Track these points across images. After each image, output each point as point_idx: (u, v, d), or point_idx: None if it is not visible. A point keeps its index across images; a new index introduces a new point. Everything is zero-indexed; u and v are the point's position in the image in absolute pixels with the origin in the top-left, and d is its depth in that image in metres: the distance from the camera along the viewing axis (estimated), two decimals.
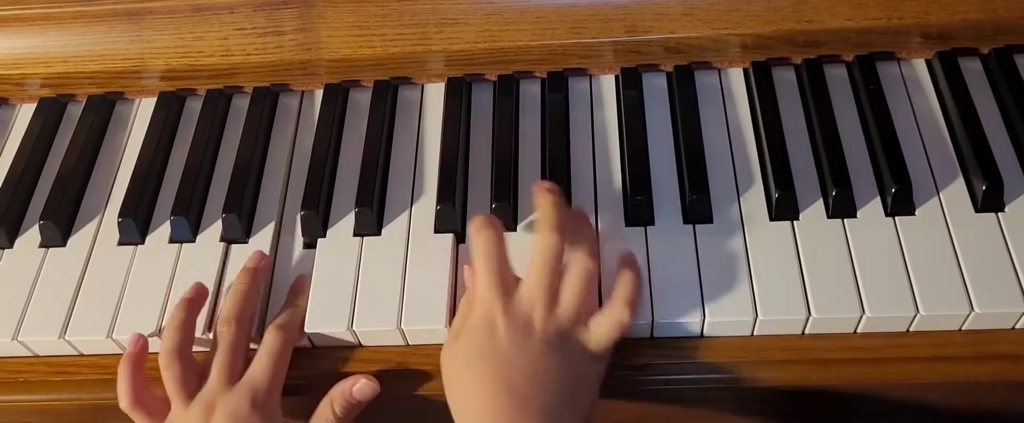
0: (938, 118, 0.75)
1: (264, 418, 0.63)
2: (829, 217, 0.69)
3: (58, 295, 0.71)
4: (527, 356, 0.61)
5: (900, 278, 0.65)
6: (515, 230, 0.71)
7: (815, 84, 0.76)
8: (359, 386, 0.66)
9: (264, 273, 0.70)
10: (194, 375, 0.66)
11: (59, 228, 0.74)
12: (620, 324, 0.62)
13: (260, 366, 0.65)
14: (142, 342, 0.68)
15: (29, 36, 0.79)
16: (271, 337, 0.66)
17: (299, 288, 0.70)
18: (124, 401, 0.66)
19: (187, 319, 0.67)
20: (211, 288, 0.70)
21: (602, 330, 0.63)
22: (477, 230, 0.65)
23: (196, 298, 0.68)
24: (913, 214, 0.68)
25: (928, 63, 0.78)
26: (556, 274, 0.63)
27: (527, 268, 0.64)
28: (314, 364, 0.68)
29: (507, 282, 0.64)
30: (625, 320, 0.62)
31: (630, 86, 0.78)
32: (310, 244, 0.72)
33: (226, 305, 0.68)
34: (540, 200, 0.66)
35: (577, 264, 0.64)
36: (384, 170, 0.76)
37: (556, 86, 0.79)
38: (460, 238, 0.71)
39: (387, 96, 0.80)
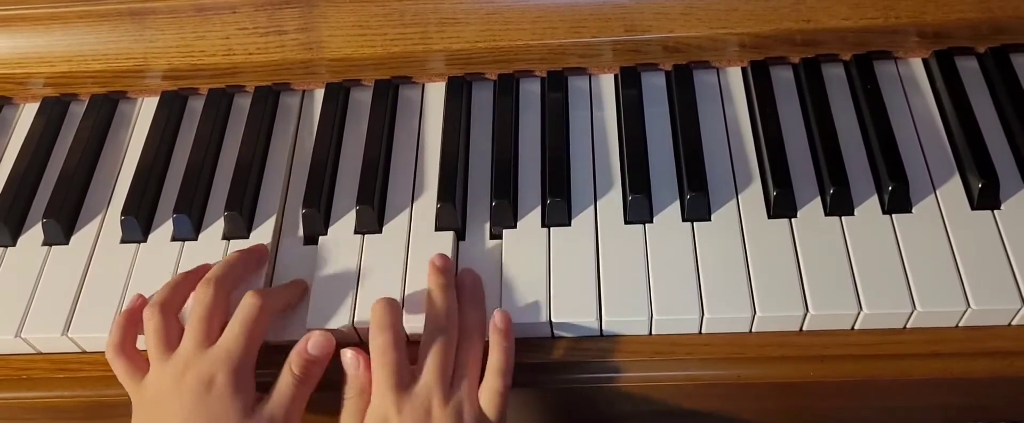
0: (935, 117, 0.75)
1: (235, 384, 0.63)
2: (827, 215, 0.69)
3: (61, 293, 0.72)
4: None
5: (897, 275, 0.65)
6: (515, 227, 0.71)
7: (813, 83, 0.77)
8: (312, 341, 0.65)
9: (260, 258, 0.71)
10: (176, 334, 0.66)
11: (62, 226, 0.75)
12: (499, 394, 0.64)
13: (232, 333, 0.64)
14: (142, 300, 0.68)
15: (33, 35, 0.80)
16: (246, 304, 0.65)
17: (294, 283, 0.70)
18: (109, 350, 0.66)
19: (183, 282, 0.68)
20: None
21: (487, 401, 0.64)
22: (377, 320, 0.65)
23: (199, 270, 0.69)
24: (910, 212, 0.69)
25: (925, 62, 0.79)
26: (449, 361, 0.64)
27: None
28: None
29: (403, 377, 0.63)
30: (501, 389, 0.64)
31: (629, 85, 0.78)
32: (311, 241, 0.73)
33: (213, 269, 0.68)
34: (430, 283, 0.67)
35: (489, 382, 0.65)
36: (385, 168, 0.76)
37: (556, 85, 0.79)
38: (460, 236, 0.72)
39: (388, 95, 0.80)
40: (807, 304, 0.65)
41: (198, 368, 0.63)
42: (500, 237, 0.71)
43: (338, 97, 0.81)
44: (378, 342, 0.64)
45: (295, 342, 0.66)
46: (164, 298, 0.67)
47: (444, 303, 0.66)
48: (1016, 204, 0.69)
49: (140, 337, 0.68)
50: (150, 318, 0.66)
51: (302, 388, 0.65)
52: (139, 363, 0.66)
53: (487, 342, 0.66)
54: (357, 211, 0.72)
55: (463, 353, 0.65)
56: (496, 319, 0.66)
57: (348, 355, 0.65)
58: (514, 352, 0.66)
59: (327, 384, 0.67)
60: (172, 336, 0.65)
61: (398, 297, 0.68)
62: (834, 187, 0.69)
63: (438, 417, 0.62)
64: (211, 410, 0.62)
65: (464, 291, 0.68)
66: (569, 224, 0.71)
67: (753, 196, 0.71)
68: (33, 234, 0.76)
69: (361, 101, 0.81)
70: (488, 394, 0.64)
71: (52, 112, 0.84)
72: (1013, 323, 0.65)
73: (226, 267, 0.68)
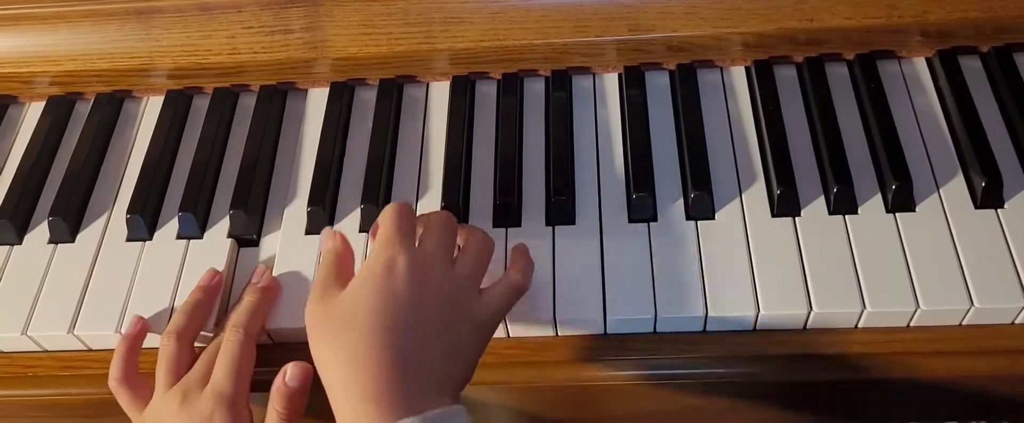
0: (938, 116, 0.75)
1: (232, 418, 0.63)
2: (830, 213, 0.69)
3: (67, 291, 0.72)
4: (420, 305, 0.59)
5: (900, 273, 0.65)
6: (519, 225, 0.72)
7: (816, 82, 0.77)
8: (289, 374, 0.63)
9: (216, 285, 0.70)
10: (186, 363, 0.66)
11: (68, 224, 0.75)
12: (516, 288, 0.63)
13: (221, 371, 0.64)
14: (141, 324, 0.69)
15: (39, 34, 0.80)
16: (228, 342, 0.65)
17: (257, 280, 0.70)
18: (112, 379, 0.67)
19: (197, 306, 0.68)
20: None
21: (496, 293, 0.62)
22: (391, 205, 0.64)
23: (211, 286, 0.69)
24: (913, 210, 0.69)
25: (928, 61, 0.79)
26: (454, 240, 0.64)
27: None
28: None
29: (411, 234, 0.63)
30: (520, 284, 0.63)
31: (633, 84, 0.79)
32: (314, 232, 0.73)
33: (172, 320, 0.68)
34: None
35: (475, 235, 0.65)
36: (389, 167, 0.76)
37: (560, 84, 0.80)
38: None
39: (392, 94, 0.81)
40: (811, 302, 0.65)
41: (196, 406, 0.63)
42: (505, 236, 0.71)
43: (343, 96, 0.81)
44: (390, 207, 0.63)
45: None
46: (176, 326, 0.67)
47: (440, 212, 0.66)
48: (1019, 203, 0.69)
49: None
50: (164, 346, 0.66)
51: (291, 420, 0.64)
52: (143, 392, 0.67)
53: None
54: (361, 210, 0.72)
55: (465, 254, 0.63)
56: (517, 245, 0.67)
57: (325, 231, 0.67)
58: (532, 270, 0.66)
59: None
60: (182, 365, 0.66)
61: None
62: (838, 186, 0.69)
63: (438, 281, 0.60)
64: None
65: (465, 227, 0.67)
66: (574, 223, 0.71)
67: (757, 195, 0.71)
68: (39, 232, 0.76)
69: (366, 100, 0.82)
70: (503, 287, 0.63)
71: (58, 111, 0.84)
72: (1016, 322, 0.65)
73: (250, 311, 0.67)
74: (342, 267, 0.64)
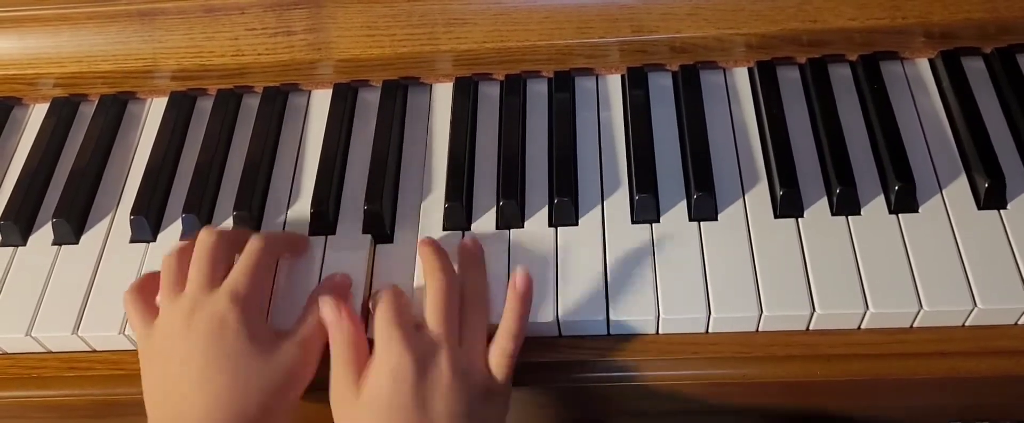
0: (941, 116, 0.75)
1: (248, 322, 0.62)
2: (833, 215, 0.69)
3: (71, 292, 0.72)
4: (433, 408, 0.60)
5: (903, 274, 0.65)
6: (522, 227, 0.72)
7: (819, 83, 0.77)
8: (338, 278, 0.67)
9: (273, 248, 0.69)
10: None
11: (72, 226, 0.75)
12: (508, 355, 0.63)
13: (239, 271, 0.64)
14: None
15: (43, 36, 0.80)
16: (250, 247, 0.65)
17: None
18: (128, 291, 0.66)
19: (230, 234, 0.67)
20: None
21: (494, 363, 0.63)
22: (383, 296, 0.64)
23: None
24: (916, 211, 0.69)
25: (931, 62, 0.79)
26: (454, 313, 0.64)
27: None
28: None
29: (409, 322, 0.63)
30: (511, 351, 0.63)
31: (636, 85, 0.79)
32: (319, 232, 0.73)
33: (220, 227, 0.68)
34: (421, 251, 0.68)
35: (499, 343, 0.64)
36: (393, 169, 0.76)
37: (563, 86, 0.80)
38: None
39: (396, 96, 0.81)
40: (814, 303, 0.65)
41: (207, 308, 0.62)
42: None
43: (346, 97, 0.81)
44: (384, 295, 0.63)
45: None
46: (184, 247, 0.67)
47: (441, 263, 0.65)
48: (1023, 204, 0.69)
49: None
50: (168, 260, 0.66)
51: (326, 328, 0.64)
52: (151, 308, 0.66)
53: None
54: (365, 211, 0.72)
55: (468, 316, 0.64)
56: (516, 279, 0.65)
57: (328, 305, 0.64)
58: (528, 316, 0.65)
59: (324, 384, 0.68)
60: (184, 279, 0.65)
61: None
62: (841, 187, 0.69)
63: (444, 372, 0.61)
64: (232, 350, 0.61)
65: (465, 256, 0.68)
66: (576, 224, 0.71)
67: (760, 196, 0.71)
68: (43, 233, 0.76)
69: (369, 101, 0.82)
70: (497, 355, 0.63)
71: (62, 112, 0.84)
72: (1019, 322, 0.65)
73: (234, 231, 0.68)
74: (356, 353, 0.63)
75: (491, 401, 0.63)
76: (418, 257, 0.69)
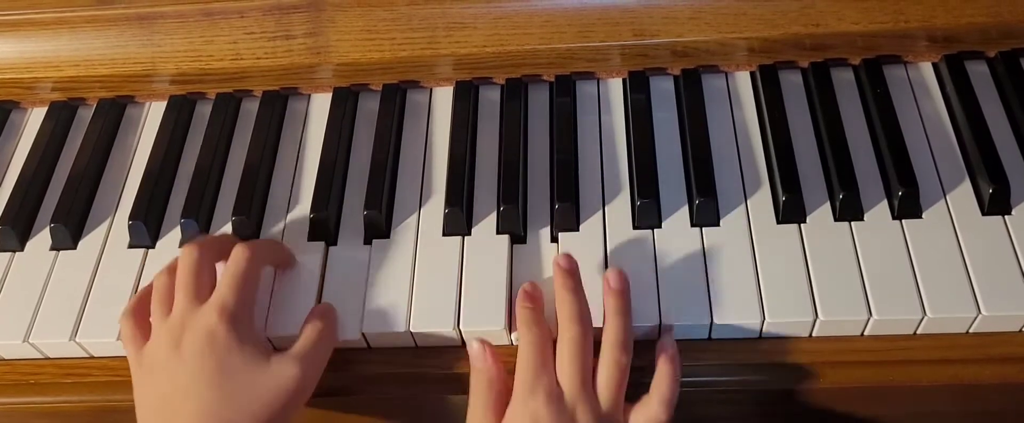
0: (945, 121, 0.75)
1: (238, 334, 0.61)
2: (836, 220, 0.69)
3: (68, 298, 0.72)
4: None
5: (907, 281, 0.65)
6: (523, 233, 0.71)
7: (822, 87, 0.76)
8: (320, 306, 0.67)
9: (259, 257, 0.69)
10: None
11: (70, 231, 0.75)
12: (658, 421, 0.61)
13: (224, 284, 0.63)
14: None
15: (41, 40, 0.80)
16: (234, 257, 0.65)
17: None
18: (124, 313, 0.66)
19: (214, 245, 0.67)
20: None
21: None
22: (526, 327, 0.63)
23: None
24: (920, 217, 0.69)
25: (934, 66, 0.78)
26: (588, 367, 0.62)
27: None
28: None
29: (549, 361, 0.62)
30: (662, 419, 0.61)
31: (637, 90, 0.78)
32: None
33: (202, 238, 0.67)
34: (558, 286, 0.65)
35: (609, 356, 0.62)
36: (393, 173, 0.76)
37: (564, 90, 0.79)
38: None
39: (396, 99, 0.80)
40: (817, 310, 0.64)
41: (195, 324, 0.62)
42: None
43: (346, 101, 0.81)
44: (530, 332, 0.62)
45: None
46: (174, 265, 0.66)
47: (577, 305, 0.63)
48: None
49: None
50: (158, 280, 0.66)
51: (326, 341, 0.64)
52: (144, 331, 0.65)
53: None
54: (365, 216, 0.72)
55: (605, 368, 0.62)
56: (665, 341, 0.64)
57: (475, 346, 0.64)
58: (680, 379, 0.63)
59: (330, 390, 0.67)
60: (173, 297, 0.65)
61: (405, 303, 0.67)
62: (844, 192, 0.68)
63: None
64: (220, 363, 0.61)
65: (611, 300, 0.64)
66: (577, 229, 0.71)
67: (762, 201, 0.71)
68: (41, 239, 0.76)
69: (369, 105, 0.81)
70: (643, 420, 0.62)
71: (60, 116, 0.84)
72: None
73: (214, 239, 0.68)
74: (498, 398, 0.63)
75: None
76: (554, 279, 0.66)
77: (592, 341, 0.63)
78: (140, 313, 0.66)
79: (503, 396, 0.63)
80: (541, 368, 0.61)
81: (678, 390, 0.63)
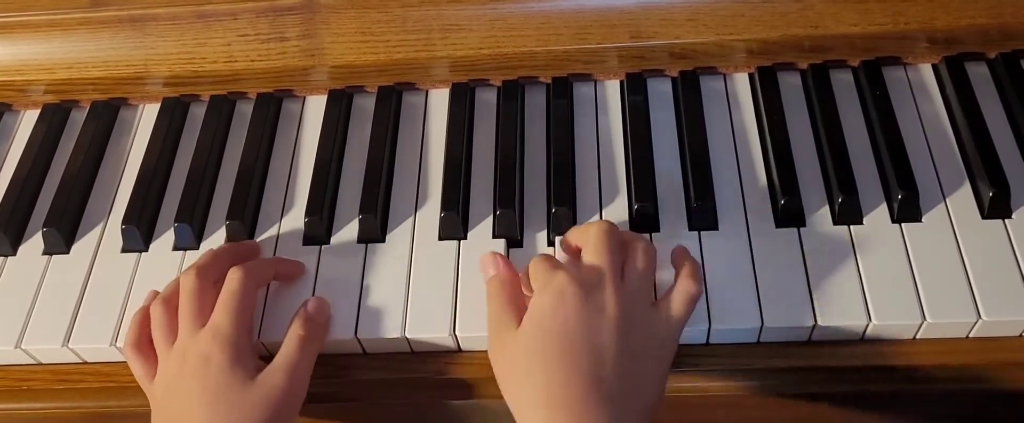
0: (944, 123, 0.74)
1: (232, 357, 0.62)
2: (835, 224, 0.68)
3: (61, 303, 0.71)
4: (598, 336, 0.58)
5: (907, 285, 0.65)
6: (519, 237, 0.71)
7: (821, 89, 0.76)
8: (311, 304, 0.67)
9: (248, 252, 0.71)
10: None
11: (62, 235, 0.74)
12: (692, 297, 0.61)
13: (220, 309, 0.64)
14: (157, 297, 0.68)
15: (33, 42, 0.79)
16: (230, 280, 0.65)
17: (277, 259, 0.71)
18: (126, 347, 0.66)
19: (211, 270, 0.67)
20: None
21: (675, 305, 0.61)
22: (537, 259, 0.63)
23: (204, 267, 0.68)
24: (920, 220, 0.68)
25: (934, 68, 0.78)
26: (618, 251, 0.61)
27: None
28: (316, 370, 0.68)
29: (565, 268, 0.61)
30: (694, 292, 0.61)
31: (635, 91, 0.78)
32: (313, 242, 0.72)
33: (198, 259, 0.68)
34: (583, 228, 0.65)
35: (638, 243, 0.62)
36: (388, 176, 0.76)
37: (561, 91, 0.79)
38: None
39: (391, 102, 0.80)
40: (815, 315, 0.64)
41: (194, 349, 0.63)
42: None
43: (341, 104, 0.80)
44: (538, 256, 0.62)
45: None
46: (169, 293, 0.67)
47: (606, 223, 0.63)
48: None
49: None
50: (155, 311, 0.66)
51: (308, 346, 0.64)
52: (152, 361, 0.66)
53: None
54: (360, 220, 0.71)
55: (636, 253, 0.62)
56: (677, 247, 0.65)
57: (486, 255, 0.65)
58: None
59: (326, 396, 0.67)
60: (174, 327, 0.65)
61: (401, 308, 0.67)
62: (843, 195, 0.68)
63: (610, 301, 0.58)
64: (213, 384, 0.62)
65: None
66: None
67: (760, 205, 0.70)
68: (33, 243, 0.75)
69: (364, 107, 0.81)
70: (680, 297, 0.61)
71: (53, 119, 0.83)
72: None
73: (212, 258, 0.68)
74: (511, 296, 0.63)
75: (659, 349, 0.60)
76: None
77: (619, 236, 0.62)
78: (143, 343, 0.66)
79: (518, 296, 0.63)
80: (556, 264, 0.61)
81: (700, 269, 0.64)
